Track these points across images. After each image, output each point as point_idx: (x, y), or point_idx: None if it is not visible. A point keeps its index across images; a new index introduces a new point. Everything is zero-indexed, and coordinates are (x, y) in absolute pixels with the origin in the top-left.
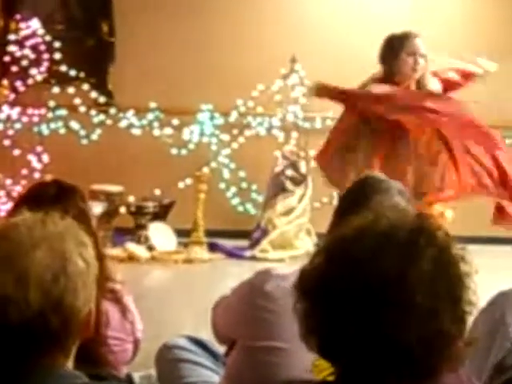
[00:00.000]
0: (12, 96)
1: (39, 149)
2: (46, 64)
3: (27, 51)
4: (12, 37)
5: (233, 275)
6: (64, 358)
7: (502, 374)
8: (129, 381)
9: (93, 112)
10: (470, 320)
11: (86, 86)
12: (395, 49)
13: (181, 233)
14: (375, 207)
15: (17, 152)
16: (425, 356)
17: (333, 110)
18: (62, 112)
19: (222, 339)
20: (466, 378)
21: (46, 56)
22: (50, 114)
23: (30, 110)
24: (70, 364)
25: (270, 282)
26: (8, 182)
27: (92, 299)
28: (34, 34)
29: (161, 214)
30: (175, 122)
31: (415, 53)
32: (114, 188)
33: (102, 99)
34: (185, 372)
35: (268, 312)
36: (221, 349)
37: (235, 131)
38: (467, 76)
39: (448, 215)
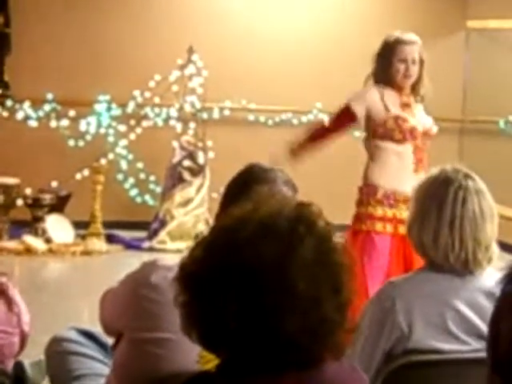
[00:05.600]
0: None
1: None
2: None
3: None
4: None
5: (131, 266)
6: None
7: (391, 362)
8: (19, 368)
9: None
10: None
11: None
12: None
13: (78, 225)
14: (256, 197)
15: None
16: (308, 344)
17: (230, 100)
18: None
19: (109, 331)
20: (348, 366)
21: None
22: None
23: None
24: None
25: (155, 273)
26: None
27: None
28: None
29: (58, 206)
30: (72, 113)
31: (406, 59)
32: (11, 180)
33: None
34: (75, 365)
35: (154, 303)
36: (111, 341)
37: (132, 122)
38: None
39: None
